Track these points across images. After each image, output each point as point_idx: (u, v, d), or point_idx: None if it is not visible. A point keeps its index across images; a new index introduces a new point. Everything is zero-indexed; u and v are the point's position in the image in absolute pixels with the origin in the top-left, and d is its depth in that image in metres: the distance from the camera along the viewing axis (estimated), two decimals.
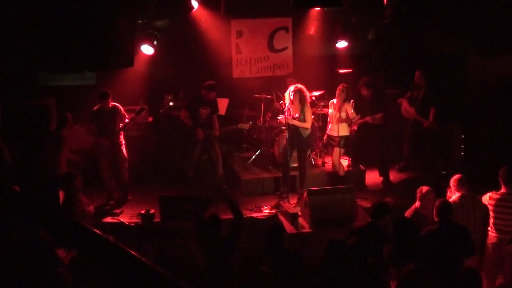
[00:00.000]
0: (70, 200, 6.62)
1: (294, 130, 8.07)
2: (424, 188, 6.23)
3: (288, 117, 8.00)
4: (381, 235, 5.61)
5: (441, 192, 6.61)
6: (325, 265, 5.10)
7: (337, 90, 8.33)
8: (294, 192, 8.41)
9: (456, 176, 6.44)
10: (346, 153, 8.70)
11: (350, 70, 10.19)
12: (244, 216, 7.72)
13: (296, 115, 7.98)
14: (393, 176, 9.37)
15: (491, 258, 6.14)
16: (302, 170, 8.35)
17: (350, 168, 8.97)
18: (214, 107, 8.61)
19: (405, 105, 9.36)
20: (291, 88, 8.01)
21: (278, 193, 8.39)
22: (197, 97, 8.50)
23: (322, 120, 9.43)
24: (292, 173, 8.59)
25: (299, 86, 8.00)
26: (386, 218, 5.85)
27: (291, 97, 7.93)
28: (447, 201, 5.85)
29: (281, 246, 5.50)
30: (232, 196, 7.62)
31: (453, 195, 6.33)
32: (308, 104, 8.08)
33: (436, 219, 5.62)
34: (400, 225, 5.60)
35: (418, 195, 6.22)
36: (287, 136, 8.08)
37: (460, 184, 6.34)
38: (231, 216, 6.17)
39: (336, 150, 8.44)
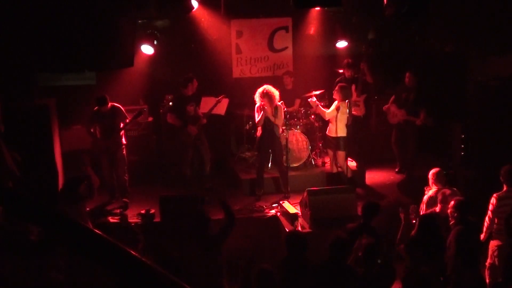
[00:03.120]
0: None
1: (269, 130, 8.16)
2: (447, 191, 6.22)
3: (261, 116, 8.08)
4: (373, 235, 5.61)
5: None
6: (328, 263, 5.09)
7: (334, 91, 8.36)
8: (280, 192, 8.50)
9: (434, 170, 6.55)
10: (347, 154, 8.59)
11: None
12: (245, 216, 7.77)
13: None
14: (393, 177, 9.40)
15: (494, 259, 6.11)
16: (282, 169, 8.39)
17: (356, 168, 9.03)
18: (198, 100, 8.57)
19: (393, 109, 9.24)
20: (259, 90, 8.05)
21: (260, 196, 8.44)
22: (179, 97, 8.51)
23: (322, 120, 9.43)
24: (292, 173, 8.60)
25: (266, 89, 8.04)
26: (375, 217, 5.90)
27: (262, 101, 7.99)
28: (467, 200, 5.89)
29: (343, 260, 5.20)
30: (227, 195, 7.63)
31: (430, 189, 6.49)
32: (278, 104, 8.13)
33: (455, 219, 5.68)
34: (426, 222, 5.60)
35: (439, 197, 6.21)
36: (259, 137, 8.29)
37: (437, 178, 6.49)
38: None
39: (340, 153, 8.34)
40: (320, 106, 8.45)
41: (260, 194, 8.45)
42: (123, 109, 8.17)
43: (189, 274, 5.42)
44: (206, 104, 8.78)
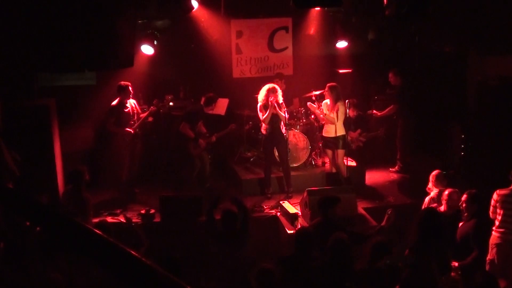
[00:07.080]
0: (78, 196, 6.61)
1: (276, 128, 8.20)
2: (448, 190, 6.23)
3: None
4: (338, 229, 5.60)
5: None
6: (327, 264, 5.08)
7: (324, 92, 8.30)
8: (283, 192, 8.51)
9: (435, 172, 6.60)
10: (346, 153, 8.60)
11: (350, 70, 10.20)
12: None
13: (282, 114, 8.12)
14: (393, 177, 9.42)
15: (495, 258, 6.09)
16: (286, 168, 8.41)
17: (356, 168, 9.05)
18: (205, 118, 8.73)
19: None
20: (266, 87, 8.10)
21: (269, 195, 8.47)
22: (198, 112, 8.54)
23: None
24: (292, 173, 8.61)
25: (272, 85, 8.14)
26: (331, 211, 5.96)
27: (271, 97, 8.02)
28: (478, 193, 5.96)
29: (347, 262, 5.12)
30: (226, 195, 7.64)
31: (432, 191, 6.52)
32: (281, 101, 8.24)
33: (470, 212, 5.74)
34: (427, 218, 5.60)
35: (444, 197, 6.21)
36: (265, 136, 8.40)
37: (438, 180, 6.52)
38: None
39: (340, 152, 8.34)
40: (326, 114, 8.23)
41: (269, 193, 8.47)
42: (137, 105, 8.51)
43: (215, 273, 5.56)
44: (219, 107, 8.80)
